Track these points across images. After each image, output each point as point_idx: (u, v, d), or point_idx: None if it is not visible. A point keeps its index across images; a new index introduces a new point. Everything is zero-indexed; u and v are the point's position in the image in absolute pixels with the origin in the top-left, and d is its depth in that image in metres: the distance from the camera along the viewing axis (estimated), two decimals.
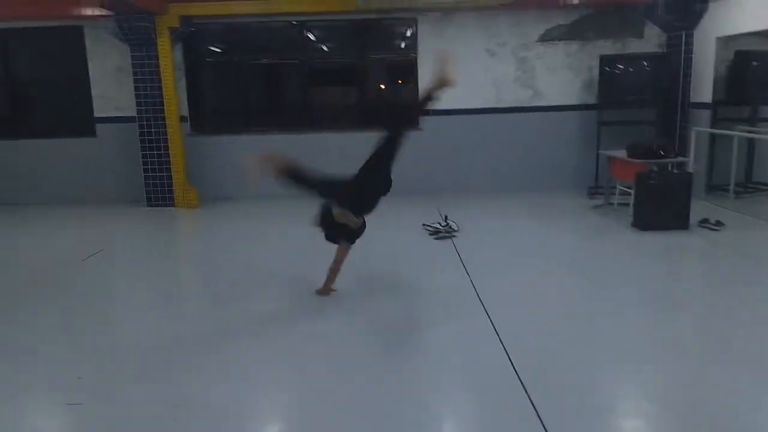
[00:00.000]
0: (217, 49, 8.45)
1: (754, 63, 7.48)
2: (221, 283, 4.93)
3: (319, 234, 4.34)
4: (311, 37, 8.33)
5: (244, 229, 6.71)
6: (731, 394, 2.90)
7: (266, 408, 2.99)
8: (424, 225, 6.31)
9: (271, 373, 3.27)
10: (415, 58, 8.10)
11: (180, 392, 3.07)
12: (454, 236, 5.98)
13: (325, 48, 8.58)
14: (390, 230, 6.49)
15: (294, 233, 6.44)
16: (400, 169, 8.13)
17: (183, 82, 8.09)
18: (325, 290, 4.38)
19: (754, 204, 7.10)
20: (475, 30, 8.00)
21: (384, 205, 7.79)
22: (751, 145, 7.70)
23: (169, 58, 7.59)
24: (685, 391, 2.96)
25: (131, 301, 4.65)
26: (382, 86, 8.84)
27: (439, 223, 6.26)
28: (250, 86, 8.49)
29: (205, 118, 8.47)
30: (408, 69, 8.24)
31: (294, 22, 8.02)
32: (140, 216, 7.52)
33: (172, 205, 7.84)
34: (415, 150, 8.19)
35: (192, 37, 8.05)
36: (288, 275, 5.00)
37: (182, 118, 7.99)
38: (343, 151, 8.21)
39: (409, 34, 8.17)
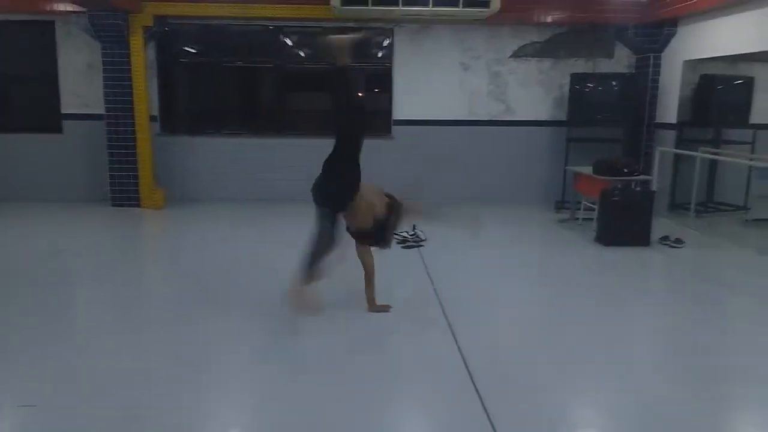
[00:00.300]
0: (192, 50, 8.39)
1: (719, 87, 7.70)
2: (181, 287, 4.85)
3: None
4: (288, 41, 8.33)
5: (207, 232, 6.63)
6: (686, 406, 2.97)
7: (224, 413, 2.95)
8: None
9: (232, 379, 3.23)
10: (391, 68, 8.15)
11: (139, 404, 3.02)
12: (421, 246, 6.00)
13: (301, 53, 8.58)
14: None
15: (260, 236, 6.42)
16: (372, 177, 8.26)
17: (155, 82, 8.00)
18: (376, 305, 4.13)
19: (713, 223, 7.30)
20: (450, 43, 8.10)
21: None
22: (713, 166, 7.93)
23: (142, 57, 7.50)
24: (640, 403, 3.01)
25: (87, 305, 4.54)
26: (360, 94, 8.86)
27: (407, 233, 6.29)
28: (224, 88, 8.43)
29: (176, 119, 8.38)
30: (384, 78, 8.29)
31: (271, 27, 8.01)
32: (104, 216, 7.38)
33: (138, 205, 7.72)
34: (386, 159, 8.30)
35: (166, 37, 7.98)
36: (251, 281, 4.95)
37: (152, 118, 7.90)
38: (316, 157, 8.24)
39: (386, 43, 8.23)
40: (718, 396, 3.10)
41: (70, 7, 7.22)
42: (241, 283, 4.84)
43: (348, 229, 4.05)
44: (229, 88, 8.57)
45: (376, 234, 4.01)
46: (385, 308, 4.13)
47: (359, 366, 3.37)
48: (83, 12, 7.17)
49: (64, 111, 7.98)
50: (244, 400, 3.02)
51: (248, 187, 8.22)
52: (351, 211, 3.93)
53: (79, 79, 7.91)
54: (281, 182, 8.24)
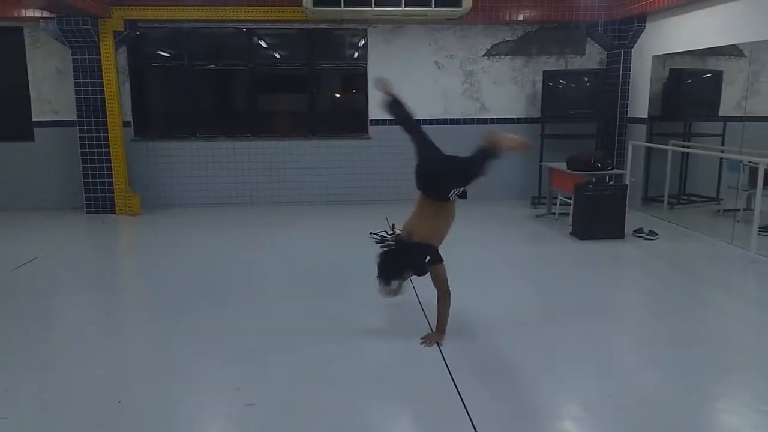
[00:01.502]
0: (164, 54, 8.31)
1: (688, 81, 7.85)
2: (159, 294, 4.81)
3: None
4: (262, 44, 8.30)
5: (185, 238, 6.58)
6: (663, 397, 3.02)
7: (202, 416, 2.94)
8: (371, 233, 6.34)
9: (208, 380, 3.22)
10: (366, 68, 8.17)
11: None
12: None
13: (276, 55, 8.56)
14: (338, 237, 6.52)
15: (239, 240, 6.39)
16: (349, 178, 8.30)
17: (127, 87, 7.91)
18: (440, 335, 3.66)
19: (686, 215, 7.44)
20: (424, 42, 8.14)
21: (332, 213, 7.86)
22: (684, 158, 8.07)
23: (113, 62, 7.42)
24: (617, 395, 3.06)
25: (62, 315, 4.49)
26: (337, 95, 8.88)
27: (386, 232, 6.31)
28: (198, 92, 8.36)
29: (150, 124, 8.30)
30: (358, 78, 8.31)
31: (243, 29, 7.98)
32: (79, 223, 7.28)
33: (113, 212, 7.63)
34: (364, 159, 8.34)
35: (137, 42, 7.90)
36: (231, 286, 4.93)
37: (126, 123, 7.82)
38: (292, 158, 8.24)
39: (360, 44, 8.24)
40: (699, 386, 3.16)
41: (38, 13, 7.11)
42: (220, 289, 4.81)
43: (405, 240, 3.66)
44: (203, 92, 8.51)
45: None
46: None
47: (336, 372, 3.38)
48: (52, 18, 7.07)
49: (35, 118, 7.86)
50: (219, 408, 3.01)
51: (225, 191, 8.18)
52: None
53: (49, 86, 7.80)
54: (259, 185, 8.22)
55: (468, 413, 2.81)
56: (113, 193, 7.63)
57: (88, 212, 7.64)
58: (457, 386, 3.07)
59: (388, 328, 3.99)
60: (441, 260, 3.55)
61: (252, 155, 8.18)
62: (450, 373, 3.21)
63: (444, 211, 3.66)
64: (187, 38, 7.99)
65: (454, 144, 8.89)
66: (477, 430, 2.68)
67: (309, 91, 8.38)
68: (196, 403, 3.02)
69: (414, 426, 2.87)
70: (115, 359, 3.49)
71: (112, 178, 7.60)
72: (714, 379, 3.26)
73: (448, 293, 3.57)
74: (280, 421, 2.80)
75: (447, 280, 3.56)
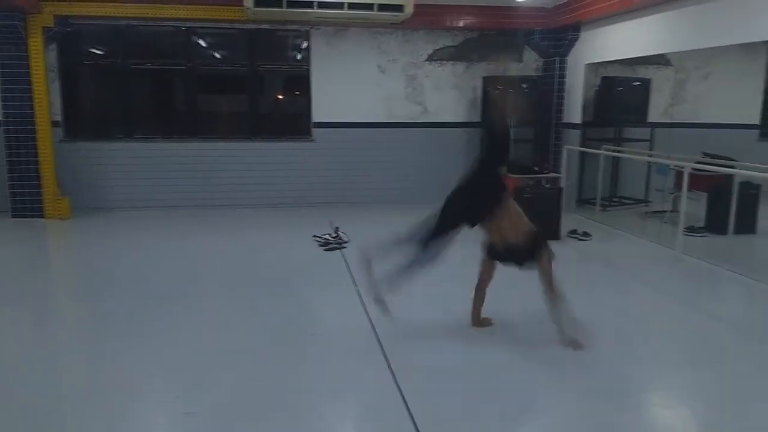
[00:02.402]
0: (98, 52, 8.00)
1: (619, 88, 8.22)
2: (89, 305, 4.62)
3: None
4: (201, 43, 8.12)
5: (118, 244, 6.33)
6: (591, 392, 3.15)
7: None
8: (314, 236, 6.31)
9: (145, 389, 3.12)
10: (308, 70, 8.13)
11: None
12: (344, 248, 6.02)
13: (216, 55, 8.39)
14: (280, 241, 6.45)
15: (173, 245, 6.22)
16: (293, 181, 8.22)
17: (57, 85, 7.56)
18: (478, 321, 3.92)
19: (617, 216, 7.78)
20: (367, 46, 8.18)
21: (275, 216, 7.77)
22: (615, 163, 8.44)
23: (42, 60, 7.08)
24: (554, 394, 3.17)
25: None
26: (280, 97, 8.79)
27: (330, 235, 6.30)
28: (134, 91, 8.07)
29: (82, 124, 7.96)
30: (301, 81, 8.25)
31: (183, 28, 7.78)
32: (3, 228, 6.89)
33: (41, 216, 7.27)
34: (307, 162, 8.28)
35: (69, 38, 7.56)
36: (163, 294, 4.79)
37: (55, 123, 7.47)
38: (234, 160, 8.09)
39: (303, 46, 8.19)
40: (628, 380, 3.31)
41: None
42: (155, 296, 4.66)
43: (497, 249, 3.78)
44: (139, 91, 8.23)
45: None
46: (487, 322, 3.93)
47: (278, 378, 3.34)
48: None
49: None
50: (158, 417, 2.92)
51: (161, 194, 7.93)
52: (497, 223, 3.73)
53: None
54: (198, 188, 8.02)
55: (409, 410, 2.84)
56: (41, 196, 7.26)
57: (14, 216, 7.24)
58: (402, 390, 3.10)
59: (329, 328, 3.97)
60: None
61: (191, 157, 7.98)
62: (393, 374, 3.24)
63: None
64: (123, 36, 7.71)
65: (399, 147, 9.01)
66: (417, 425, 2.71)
67: (251, 93, 8.26)
68: (133, 413, 2.92)
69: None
70: (45, 371, 3.32)
71: (40, 181, 7.23)
72: (642, 372, 3.42)
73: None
74: (220, 429, 2.75)
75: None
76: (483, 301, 3.94)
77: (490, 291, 3.95)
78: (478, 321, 3.94)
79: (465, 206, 3.82)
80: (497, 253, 3.81)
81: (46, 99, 7.21)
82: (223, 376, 3.26)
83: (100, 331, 3.95)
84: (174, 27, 7.77)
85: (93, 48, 7.95)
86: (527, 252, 3.66)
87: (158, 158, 7.91)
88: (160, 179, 7.92)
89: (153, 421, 2.89)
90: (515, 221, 3.73)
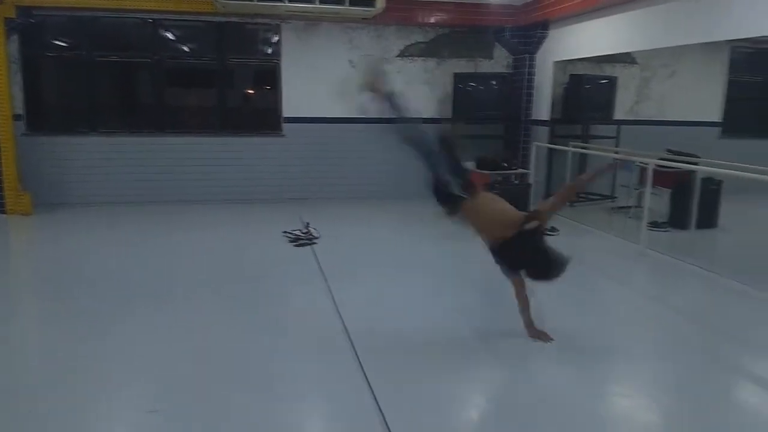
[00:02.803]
0: (62, 44, 7.79)
1: (586, 86, 8.35)
2: (52, 304, 4.51)
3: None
4: (168, 36, 7.97)
5: (82, 240, 6.19)
6: (559, 383, 3.21)
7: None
8: (284, 232, 6.27)
9: (109, 388, 3.07)
10: (279, 64, 8.06)
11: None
12: (314, 243, 6.00)
13: (184, 48, 8.25)
14: (249, 237, 6.40)
15: (137, 241, 6.12)
16: (262, 176, 8.15)
17: (19, 77, 7.36)
18: (534, 331, 3.67)
19: (584, 212, 7.90)
20: (338, 41, 8.14)
21: (244, 211, 7.70)
22: (582, 159, 8.58)
23: (3, 51, 6.88)
24: (518, 387, 3.22)
25: None
26: (249, 91, 8.69)
27: (300, 230, 6.27)
28: (98, 84, 7.88)
29: (45, 117, 7.76)
30: (272, 75, 8.17)
31: (149, 20, 7.63)
32: None
33: (2, 212, 7.07)
34: (277, 157, 8.22)
35: (31, 30, 7.35)
36: (129, 291, 4.71)
37: (17, 117, 7.26)
38: (200, 155, 7.98)
39: (273, 40, 8.11)
40: (591, 371, 3.38)
41: None
42: (120, 294, 4.58)
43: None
44: (105, 84, 8.04)
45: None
46: (545, 337, 3.65)
47: (245, 376, 3.33)
48: None
49: None
50: (120, 415, 2.89)
51: (127, 190, 7.79)
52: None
53: None
54: (165, 182, 7.90)
55: (377, 401, 2.86)
56: (2, 191, 7.06)
57: None
58: (371, 385, 3.11)
59: (299, 326, 3.96)
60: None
61: (158, 151, 7.85)
62: (363, 371, 3.25)
63: None
64: (87, 27, 7.53)
65: (370, 142, 9.01)
66: (384, 415, 2.73)
67: (219, 87, 8.15)
68: (97, 411, 2.87)
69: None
70: (9, 370, 3.25)
71: (0, 176, 7.04)
72: (606, 364, 3.50)
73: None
74: (183, 427, 2.72)
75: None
76: (528, 309, 3.67)
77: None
78: (534, 332, 3.67)
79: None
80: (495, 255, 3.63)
81: (8, 92, 7.01)
82: (188, 374, 3.23)
83: (63, 329, 3.86)
84: (140, 19, 7.62)
85: (57, 40, 7.75)
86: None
87: (124, 153, 7.76)
88: (125, 174, 7.77)
89: (116, 419, 2.85)
90: (492, 216, 3.62)
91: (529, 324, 3.66)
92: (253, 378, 3.19)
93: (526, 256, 3.49)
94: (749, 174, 4.96)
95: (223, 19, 7.72)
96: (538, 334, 3.64)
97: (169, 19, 7.73)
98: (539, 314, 3.70)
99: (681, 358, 3.59)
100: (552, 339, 3.63)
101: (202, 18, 7.68)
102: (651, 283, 5.21)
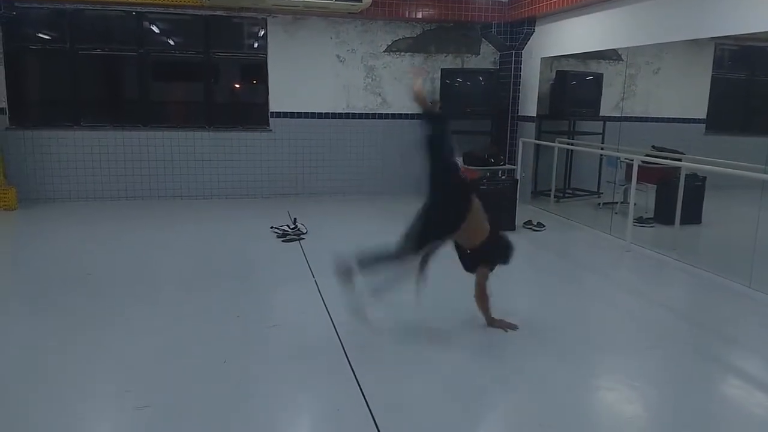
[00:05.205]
0: (45, 36, 7.68)
1: (572, 82, 8.40)
2: (37, 299, 4.47)
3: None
4: (154, 29, 7.89)
5: (67, 235, 6.14)
6: (546, 377, 3.24)
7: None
8: (272, 228, 6.25)
9: (96, 383, 3.05)
10: (266, 58, 8.01)
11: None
12: (302, 239, 5.99)
13: (169, 41, 8.17)
14: (237, 232, 6.37)
15: (126, 239, 6.07)
16: (249, 171, 8.12)
17: (1, 71, 7.25)
18: (494, 321, 3.80)
19: (570, 207, 7.98)
20: (326, 35, 8.11)
21: (231, 207, 7.66)
22: (569, 155, 8.64)
23: None
24: (506, 380, 3.24)
25: None
26: (236, 85, 8.63)
27: (288, 226, 6.25)
28: (82, 78, 7.78)
29: (28, 111, 7.65)
30: (258, 69, 8.13)
31: (133, 12, 7.55)
32: None
33: None
34: (265, 152, 8.19)
35: (14, 22, 7.24)
36: (114, 287, 4.68)
37: (0, 111, 7.18)
38: (185, 149, 7.92)
39: (260, 34, 8.06)
40: (578, 364, 3.41)
41: None
42: (105, 289, 4.55)
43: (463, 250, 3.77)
44: (89, 78, 7.93)
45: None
46: (510, 326, 3.78)
47: (232, 372, 3.32)
48: None
49: None
50: (107, 412, 2.86)
51: (112, 184, 7.72)
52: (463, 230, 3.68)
53: None
54: (151, 178, 7.84)
55: (362, 392, 2.87)
56: None
57: None
58: (358, 380, 3.12)
59: (286, 321, 3.96)
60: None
61: (143, 146, 7.78)
62: (351, 367, 3.25)
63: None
64: (71, 20, 7.43)
65: (358, 138, 9.01)
66: (371, 408, 2.74)
67: (205, 81, 8.09)
68: (83, 406, 2.85)
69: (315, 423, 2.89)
70: None
71: None
72: (591, 357, 3.54)
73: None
74: (172, 423, 2.71)
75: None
76: (489, 300, 3.80)
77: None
78: (495, 321, 3.81)
79: (440, 219, 3.79)
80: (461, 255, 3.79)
81: None
82: (176, 370, 3.21)
83: (49, 324, 3.82)
84: (124, 11, 7.54)
85: (40, 32, 7.63)
86: (478, 257, 3.70)
87: (109, 147, 7.68)
88: (111, 169, 7.70)
89: (103, 416, 2.83)
90: (479, 223, 3.71)
91: (489, 314, 3.78)
92: (239, 375, 3.17)
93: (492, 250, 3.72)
94: (732, 170, 5.02)
95: (209, 13, 7.66)
96: (499, 323, 3.77)
97: (153, 12, 7.65)
98: (527, 309, 3.72)
99: (665, 351, 3.64)
100: (516, 326, 3.75)
101: (188, 11, 7.61)
102: (635, 278, 5.26)
